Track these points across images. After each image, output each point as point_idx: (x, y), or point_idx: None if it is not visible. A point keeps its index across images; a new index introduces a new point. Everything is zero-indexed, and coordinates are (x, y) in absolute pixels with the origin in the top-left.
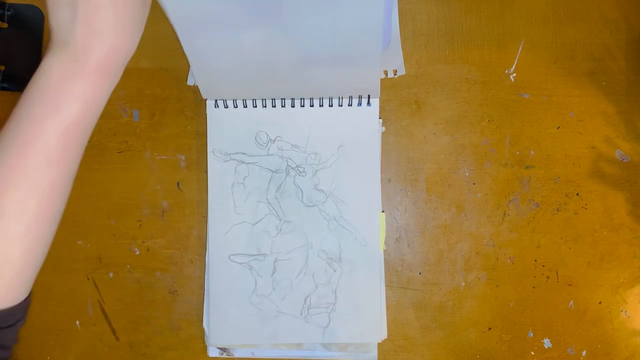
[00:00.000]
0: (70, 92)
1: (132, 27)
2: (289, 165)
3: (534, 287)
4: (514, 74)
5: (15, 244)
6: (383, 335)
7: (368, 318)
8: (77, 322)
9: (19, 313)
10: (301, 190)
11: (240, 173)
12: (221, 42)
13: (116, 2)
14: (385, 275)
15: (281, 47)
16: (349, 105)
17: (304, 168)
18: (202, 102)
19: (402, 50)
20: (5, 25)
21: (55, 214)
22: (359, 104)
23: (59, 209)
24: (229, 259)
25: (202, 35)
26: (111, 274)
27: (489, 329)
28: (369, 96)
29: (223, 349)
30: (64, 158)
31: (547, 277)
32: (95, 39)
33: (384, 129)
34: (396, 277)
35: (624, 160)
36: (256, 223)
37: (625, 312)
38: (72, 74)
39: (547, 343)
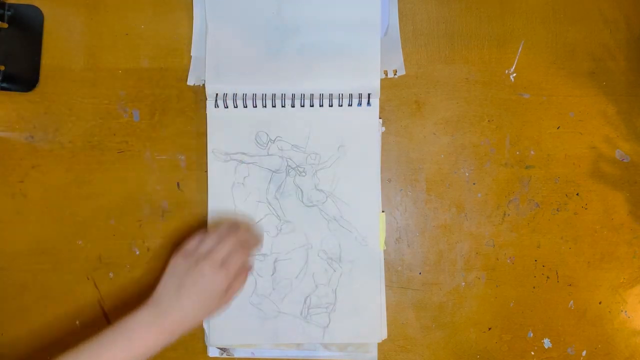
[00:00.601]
0: (145, 336)
1: (205, 315)
2: (289, 165)
3: (534, 287)
4: (514, 74)
5: None
6: (383, 335)
7: (368, 318)
8: (77, 322)
9: None
10: (301, 190)
11: (240, 173)
12: (240, 29)
13: (206, 298)
14: (385, 275)
15: (288, 33)
16: (349, 105)
17: (304, 168)
18: (202, 102)
19: (402, 50)
20: (5, 25)
21: None
22: (359, 104)
23: None
24: None
25: (227, 24)
26: (111, 274)
27: (489, 329)
28: (369, 96)
29: (223, 349)
30: None
31: (547, 277)
32: (178, 312)
33: (384, 129)
34: (396, 277)
35: (624, 160)
36: (256, 223)
37: (625, 312)
38: (151, 322)
39: (547, 343)
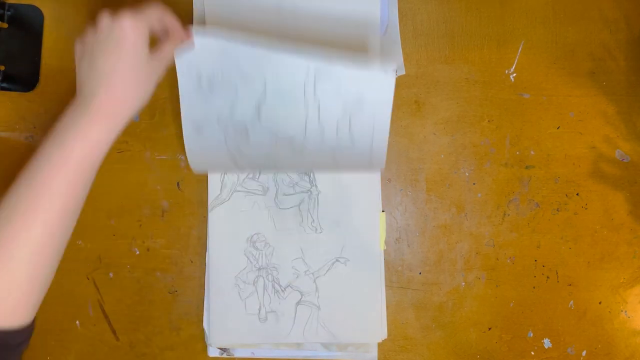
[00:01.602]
0: (78, 133)
1: (139, 90)
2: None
3: (534, 287)
4: (514, 74)
5: (22, 269)
6: (383, 335)
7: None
8: (77, 322)
9: (22, 336)
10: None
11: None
12: (239, 28)
13: (127, 65)
14: (385, 275)
15: (287, 32)
16: None
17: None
18: None
19: (402, 50)
20: (5, 25)
21: (58, 245)
22: None
23: (63, 240)
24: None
25: (226, 22)
26: (111, 274)
27: (489, 329)
28: None
29: (223, 349)
30: (69, 192)
31: (547, 277)
32: (101, 88)
33: None
34: (396, 277)
35: (624, 160)
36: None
37: (625, 312)
38: (80, 116)
39: (547, 343)
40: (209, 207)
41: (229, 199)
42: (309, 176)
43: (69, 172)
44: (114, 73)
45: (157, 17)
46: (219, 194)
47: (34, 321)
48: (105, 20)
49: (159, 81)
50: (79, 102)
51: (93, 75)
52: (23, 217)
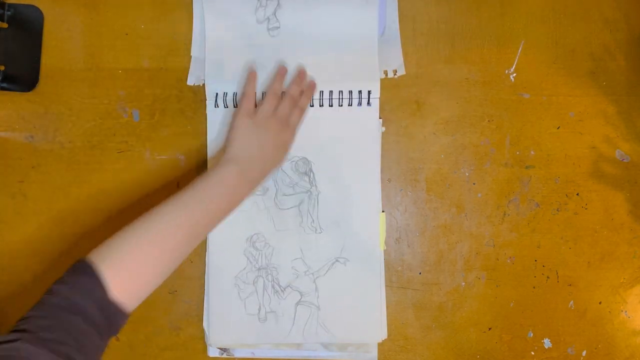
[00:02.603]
0: (235, 191)
1: (275, 166)
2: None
3: (534, 287)
4: (514, 74)
5: (150, 263)
6: (383, 335)
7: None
8: None
9: (124, 321)
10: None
11: None
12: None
13: (279, 156)
14: (385, 275)
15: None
16: (349, 105)
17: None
18: (202, 102)
19: (402, 50)
20: (5, 25)
21: (172, 263)
22: (359, 103)
23: (176, 262)
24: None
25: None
26: None
27: (489, 329)
28: (369, 96)
29: (223, 349)
30: (196, 231)
31: (547, 277)
32: (260, 168)
33: (384, 129)
34: (396, 277)
35: (624, 160)
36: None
37: (625, 312)
38: (235, 175)
39: (547, 343)
40: None
41: None
42: (309, 176)
43: (220, 203)
44: (272, 161)
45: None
46: None
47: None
48: (273, 118)
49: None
50: (236, 164)
51: (258, 157)
52: (180, 215)
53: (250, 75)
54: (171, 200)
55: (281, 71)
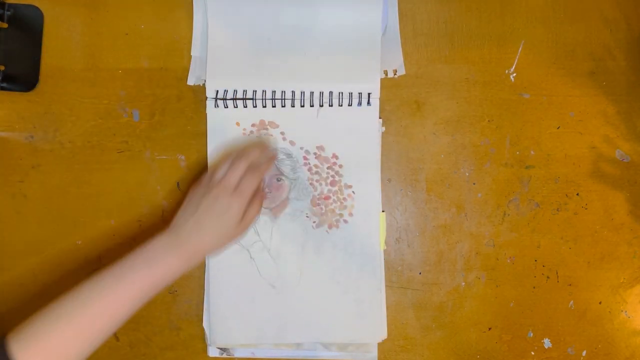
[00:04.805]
0: (164, 260)
1: (223, 243)
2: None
3: (534, 287)
4: (514, 74)
5: (69, 346)
6: (383, 335)
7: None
8: None
9: None
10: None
11: None
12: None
13: (222, 229)
14: (385, 275)
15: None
16: (349, 105)
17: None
18: (202, 102)
19: (402, 50)
20: (5, 25)
21: (93, 344)
22: (359, 103)
23: (99, 341)
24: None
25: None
26: None
27: (489, 329)
28: (369, 96)
29: (223, 349)
30: (135, 297)
31: (547, 277)
32: (196, 237)
33: (384, 129)
34: (396, 277)
35: (624, 160)
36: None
37: (625, 312)
38: (169, 248)
39: (547, 343)
40: None
41: None
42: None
43: (145, 282)
44: (211, 230)
45: (256, 187)
46: None
47: None
48: (218, 185)
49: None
50: (173, 238)
51: (193, 223)
52: (99, 303)
53: (236, 153)
54: (95, 278)
55: (259, 146)
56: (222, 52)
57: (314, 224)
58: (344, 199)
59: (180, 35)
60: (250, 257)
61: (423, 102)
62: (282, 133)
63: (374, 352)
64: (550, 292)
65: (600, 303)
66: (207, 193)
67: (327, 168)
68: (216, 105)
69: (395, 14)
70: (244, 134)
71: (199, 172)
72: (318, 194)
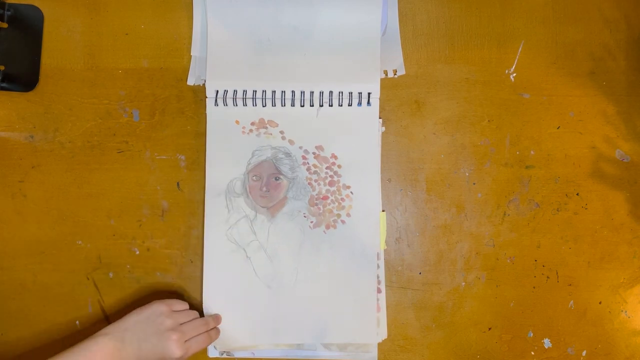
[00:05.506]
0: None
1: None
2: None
3: (534, 287)
4: (514, 74)
5: None
6: (383, 335)
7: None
8: (77, 322)
9: None
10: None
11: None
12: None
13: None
14: (385, 275)
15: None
16: (349, 105)
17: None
18: (202, 102)
19: (402, 50)
20: (5, 25)
21: None
22: (359, 103)
23: None
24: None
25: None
26: (111, 274)
27: (489, 329)
28: (369, 96)
29: (223, 349)
30: None
31: (547, 277)
32: (136, 355)
33: (384, 129)
34: (396, 277)
35: (624, 160)
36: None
37: (625, 312)
38: (112, 354)
39: (547, 343)
40: (206, 207)
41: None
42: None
43: None
44: (150, 355)
45: (199, 331)
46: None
47: None
48: (164, 318)
49: None
50: (118, 340)
51: (141, 338)
52: None
53: (216, 317)
54: None
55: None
56: (222, 51)
57: (312, 224)
58: (342, 199)
59: (180, 35)
60: (246, 256)
61: (423, 102)
62: (281, 132)
63: (374, 352)
64: (550, 292)
65: (600, 303)
66: (163, 331)
67: (326, 168)
68: (216, 104)
69: (395, 14)
70: (243, 132)
71: (199, 174)
72: (316, 194)
